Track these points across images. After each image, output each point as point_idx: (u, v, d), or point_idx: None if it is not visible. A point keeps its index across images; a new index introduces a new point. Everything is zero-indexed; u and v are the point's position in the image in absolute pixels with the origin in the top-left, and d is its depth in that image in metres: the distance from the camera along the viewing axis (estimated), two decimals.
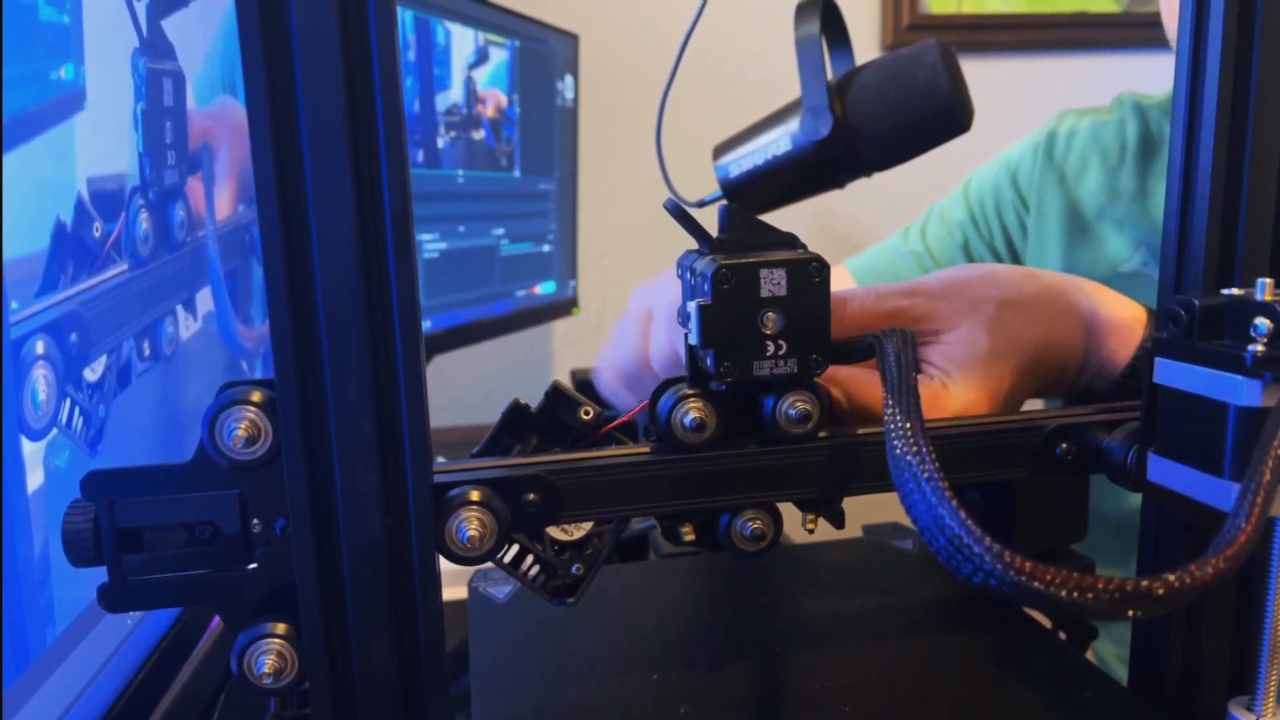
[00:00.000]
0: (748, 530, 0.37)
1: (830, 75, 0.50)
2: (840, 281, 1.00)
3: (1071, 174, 0.84)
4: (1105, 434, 0.38)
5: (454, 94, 1.11)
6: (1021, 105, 1.50)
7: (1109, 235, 0.81)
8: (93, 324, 0.46)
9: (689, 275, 0.37)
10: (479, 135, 1.15)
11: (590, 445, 0.38)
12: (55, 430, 0.43)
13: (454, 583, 0.44)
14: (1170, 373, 0.33)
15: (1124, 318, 0.47)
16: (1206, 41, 0.34)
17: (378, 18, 0.28)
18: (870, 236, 1.50)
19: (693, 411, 0.35)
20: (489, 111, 1.16)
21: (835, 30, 0.53)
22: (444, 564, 0.33)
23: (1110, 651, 0.81)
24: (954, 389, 0.45)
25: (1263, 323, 0.30)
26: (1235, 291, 0.32)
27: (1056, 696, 0.38)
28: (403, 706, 0.32)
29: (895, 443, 0.29)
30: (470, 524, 0.33)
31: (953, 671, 0.40)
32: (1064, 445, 0.38)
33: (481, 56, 1.14)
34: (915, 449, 0.29)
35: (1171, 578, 0.25)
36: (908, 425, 0.30)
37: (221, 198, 0.67)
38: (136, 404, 0.52)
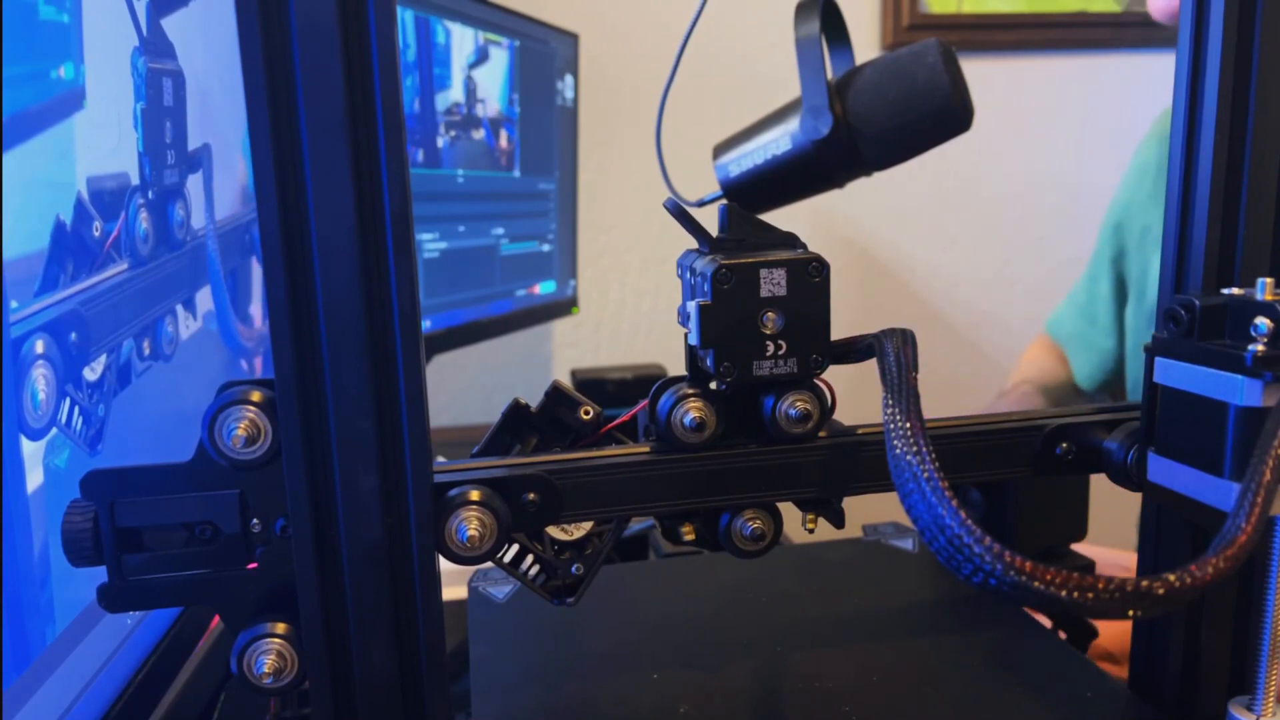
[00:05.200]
0: (748, 530, 0.37)
1: (830, 75, 0.50)
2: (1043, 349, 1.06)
3: None
4: (1105, 434, 0.38)
5: (454, 94, 1.10)
6: (1021, 105, 1.50)
7: None
8: (92, 323, 0.46)
9: (689, 275, 0.37)
10: (479, 135, 1.15)
11: (590, 445, 0.38)
12: (55, 430, 0.43)
13: (454, 583, 0.44)
14: (1170, 372, 0.33)
15: None
16: (1206, 41, 0.34)
17: (378, 18, 0.28)
18: (870, 237, 1.51)
19: (693, 411, 0.35)
20: (489, 111, 1.16)
21: (835, 30, 0.53)
22: (444, 564, 0.33)
23: None
24: None
25: (1263, 322, 0.30)
26: (1235, 291, 0.32)
27: (1056, 696, 0.38)
28: (402, 706, 0.32)
29: (895, 443, 0.29)
30: (470, 524, 0.33)
31: (953, 671, 0.40)
32: (1064, 445, 0.38)
33: (481, 56, 1.14)
34: (915, 449, 0.29)
35: (1171, 578, 0.25)
36: (908, 425, 0.30)
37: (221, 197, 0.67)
38: (136, 403, 0.52)
